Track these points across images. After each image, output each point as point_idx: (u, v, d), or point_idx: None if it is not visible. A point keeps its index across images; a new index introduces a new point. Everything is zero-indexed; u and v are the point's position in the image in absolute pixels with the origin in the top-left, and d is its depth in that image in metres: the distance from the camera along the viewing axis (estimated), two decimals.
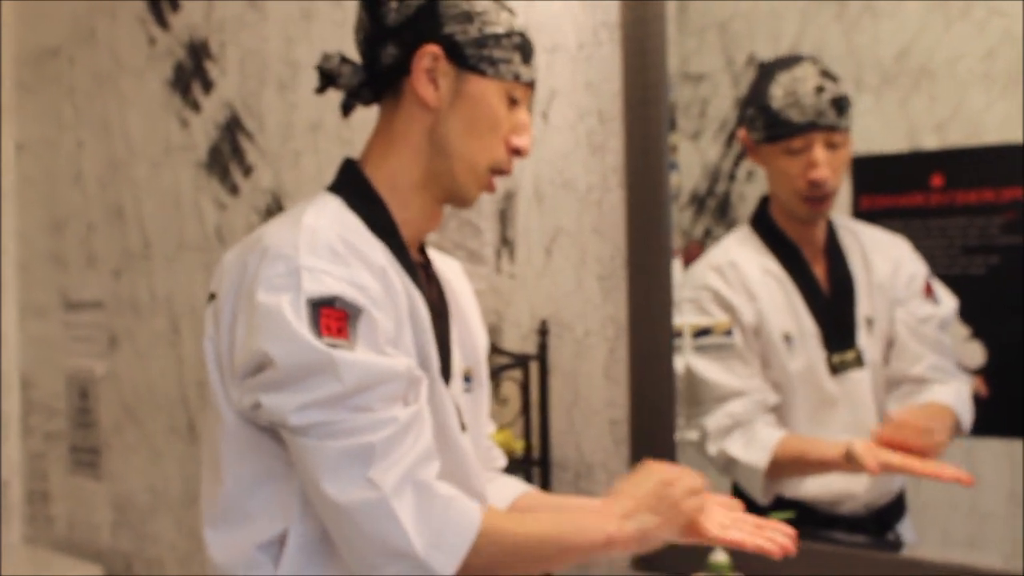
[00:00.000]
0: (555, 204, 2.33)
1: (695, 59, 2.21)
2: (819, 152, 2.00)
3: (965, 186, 1.96)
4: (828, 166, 2.01)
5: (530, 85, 1.59)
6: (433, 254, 1.72)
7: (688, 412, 2.16)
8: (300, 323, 1.38)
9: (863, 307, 2.08)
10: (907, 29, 1.99)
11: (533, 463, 2.31)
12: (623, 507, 1.52)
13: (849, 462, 1.95)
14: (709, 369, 2.12)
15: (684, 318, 2.14)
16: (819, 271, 2.10)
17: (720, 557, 1.84)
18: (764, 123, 2.04)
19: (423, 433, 1.44)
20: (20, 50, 3.72)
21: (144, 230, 3.31)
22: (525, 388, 2.31)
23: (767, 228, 2.13)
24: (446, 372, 1.60)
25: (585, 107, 2.28)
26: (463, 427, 1.60)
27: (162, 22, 3.20)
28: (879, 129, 2.04)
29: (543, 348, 2.31)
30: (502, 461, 1.85)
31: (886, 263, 2.06)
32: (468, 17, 1.54)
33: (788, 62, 2.06)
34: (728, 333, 2.10)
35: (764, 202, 2.14)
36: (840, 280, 2.09)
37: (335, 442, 1.38)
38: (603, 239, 2.25)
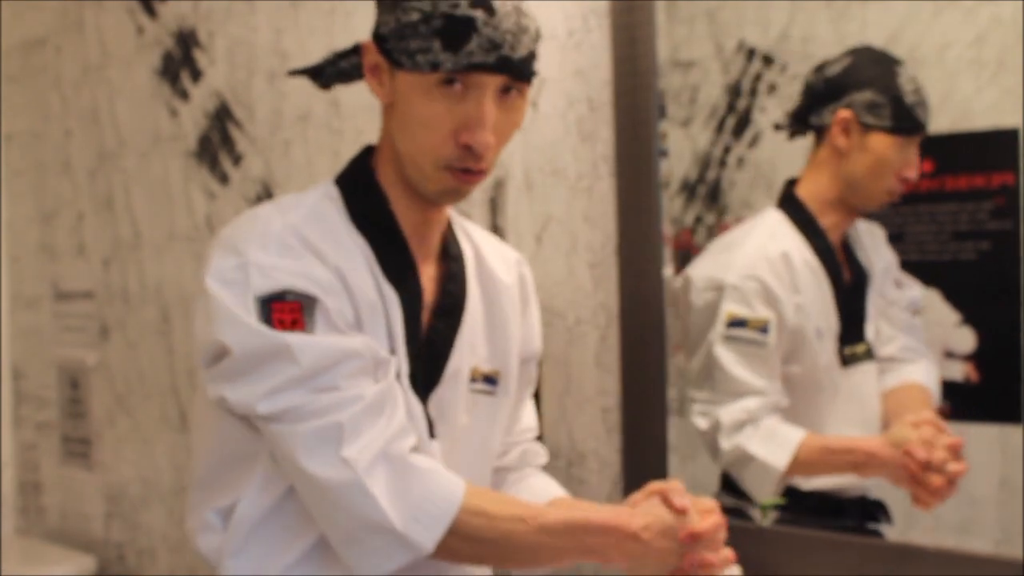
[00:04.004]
0: (545, 192, 2.33)
1: (685, 46, 2.20)
2: (916, 154, 2.00)
3: (955, 172, 1.96)
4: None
5: (469, 69, 1.42)
6: (485, 245, 1.71)
7: (701, 396, 2.14)
8: (248, 315, 1.40)
9: (871, 298, 2.07)
10: (896, 16, 1.99)
11: None
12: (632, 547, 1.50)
13: (893, 449, 1.95)
14: (733, 363, 2.09)
15: (726, 303, 2.12)
16: (841, 262, 2.09)
17: None
18: (893, 113, 2.01)
19: (396, 410, 1.45)
20: (6, 40, 3.71)
21: (134, 220, 3.31)
22: None
23: (803, 216, 2.10)
24: (436, 374, 1.57)
25: (575, 95, 2.27)
26: (432, 435, 1.56)
27: (150, 11, 3.19)
28: None
29: None
30: (542, 458, 1.84)
31: (876, 252, 2.06)
32: (391, 6, 1.46)
33: (895, 58, 2.03)
34: (763, 330, 2.07)
35: (791, 186, 2.13)
36: (857, 271, 2.09)
37: (304, 424, 1.39)
38: (594, 227, 2.25)
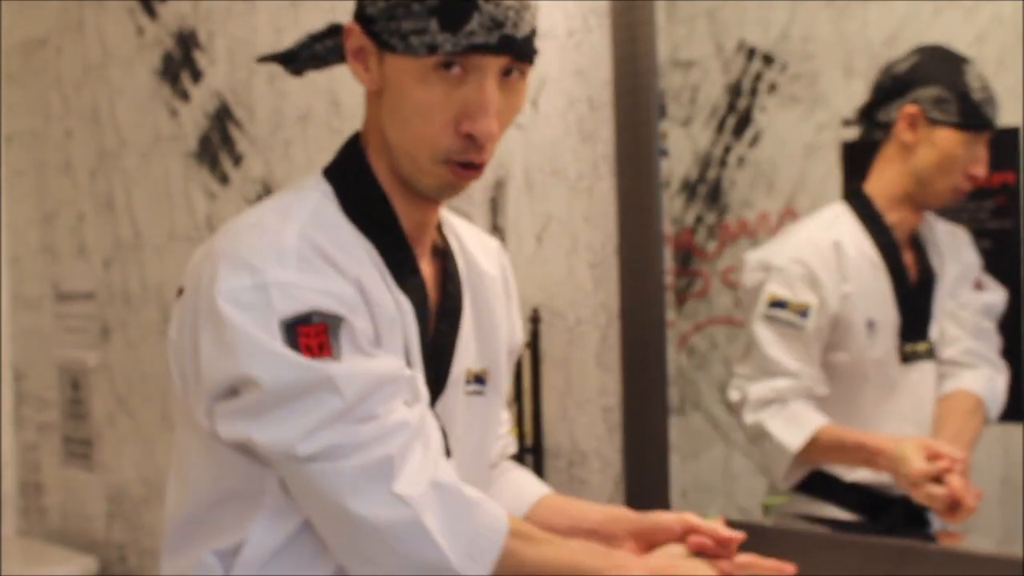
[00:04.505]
0: (545, 192, 2.33)
1: (685, 46, 2.20)
2: (985, 151, 1.99)
3: None
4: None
5: (470, 51, 1.29)
6: (466, 235, 1.58)
7: (740, 371, 2.14)
8: (276, 343, 1.25)
9: (939, 298, 2.07)
10: (896, 15, 1.99)
11: (526, 451, 2.31)
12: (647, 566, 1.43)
13: (894, 462, 1.95)
14: (770, 342, 2.08)
15: (769, 284, 2.10)
16: (908, 259, 2.09)
17: None
18: (960, 109, 2.00)
19: (432, 433, 1.35)
20: (6, 40, 3.71)
21: (134, 220, 3.31)
22: (517, 376, 2.30)
23: (866, 210, 2.10)
24: (442, 380, 1.47)
25: (575, 94, 2.27)
26: (447, 452, 1.45)
27: (150, 12, 3.19)
28: None
29: (535, 336, 2.31)
30: (513, 448, 1.76)
31: (953, 255, 2.06)
32: None
33: (961, 56, 2.02)
34: (803, 314, 2.07)
35: (859, 181, 2.10)
36: (925, 270, 2.08)
37: (350, 460, 1.26)
38: (594, 227, 2.25)
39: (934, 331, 2.05)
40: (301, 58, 1.49)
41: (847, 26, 2.05)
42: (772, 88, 2.13)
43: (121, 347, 3.37)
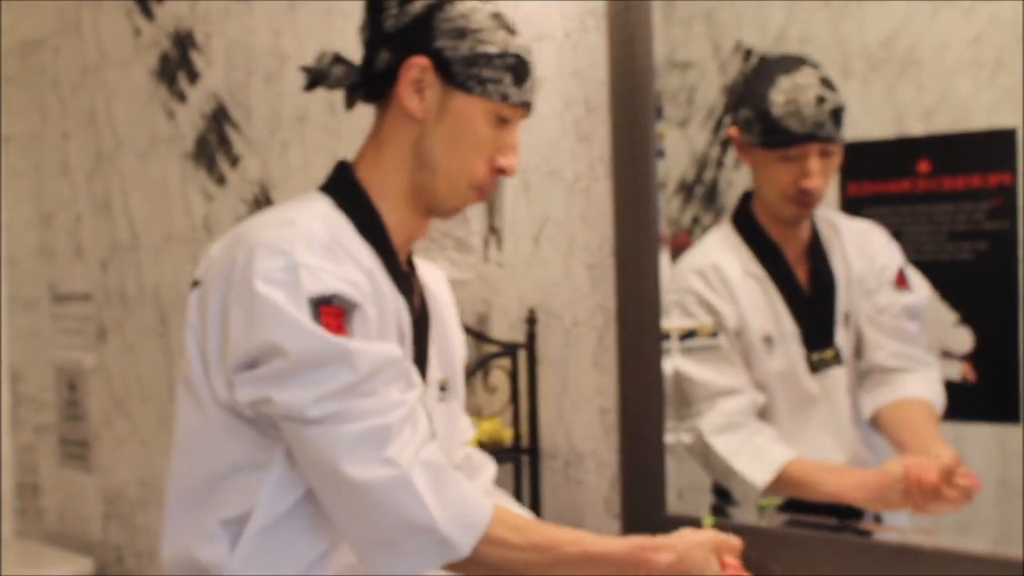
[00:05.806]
0: (542, 193, 2.32)
1: (682, 47, 2.20)
2: (814, 162, 1.99)
3: (952, 172, 1.95)
4: (821, 175, 2.00)
5: (523, 106, 1.61)
6: (419, 262, 1.74)
7: (679, 414, 2.16)
8: (304, 317, 1.42)
9: (842, 304, 2.07)
10: (894, 15, 1.98)
11: (522, 452, 2.31)
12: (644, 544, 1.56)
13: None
14: (697, 370, 2.12)
15: (671, 320, 2.14)
16: (801, 270, 2.09)
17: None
18: (762, 128, 2.02)
19: (422, 417, 1.51)
20: (5, 41, 3.71)
21: (131, 221, 3.30)
22: (514, 377, 2.31)
23: (749, 227, 2.12)
24: (421, 380, 1.63)
25: (572, 95, 2.27)
26: (433, 435, 1.60)
27: (147, 13, 3.19)
28: (866, 116, 2.03)
29: (532, 337, 2.31)
30: (491, 468, 1.85)
31: (862, 257, 2.06)
32: (461, 33, 1.56)
33: (787, 65, 2.03)
34: (713, 335, 2.10)
35: (746, 199, 2.13)
36: (821, 279, 2.09)
37: (351, 426, 1.43)
38: (591, 228, 2.25)
39: (839, 336, 2.05)
40: (331, 76, 1.66)
41: (844, 27, 2.05)
42: None
43: (118, 348, 3.37)
